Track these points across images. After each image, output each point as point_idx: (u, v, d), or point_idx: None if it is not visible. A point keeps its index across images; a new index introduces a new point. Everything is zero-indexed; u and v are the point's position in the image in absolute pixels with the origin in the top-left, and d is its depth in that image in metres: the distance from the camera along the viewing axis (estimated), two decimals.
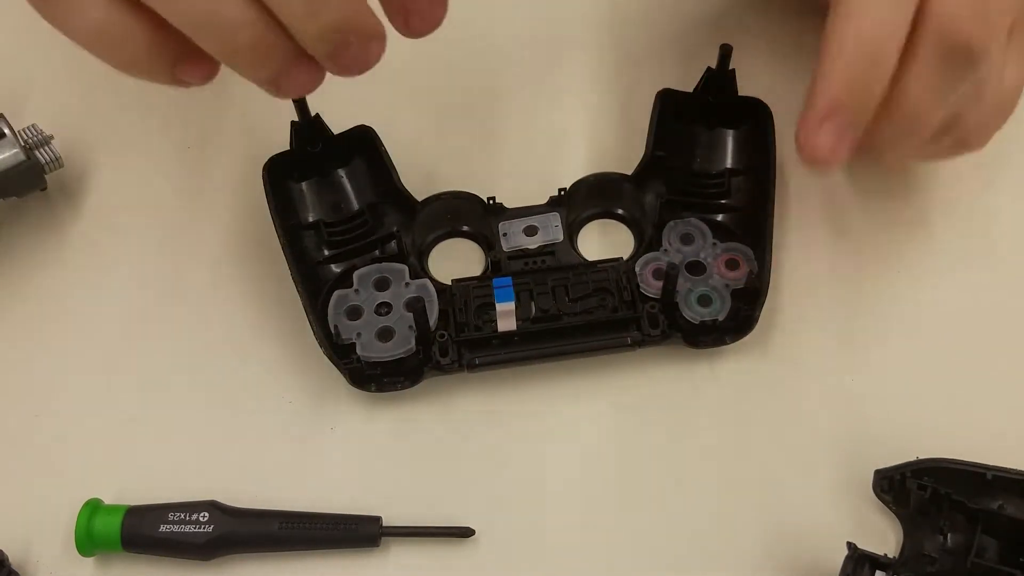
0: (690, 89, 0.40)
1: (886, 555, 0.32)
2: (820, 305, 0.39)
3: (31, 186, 0.40)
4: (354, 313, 0.37)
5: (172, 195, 0.42)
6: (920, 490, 0.33)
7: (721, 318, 0.37)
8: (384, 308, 0.37)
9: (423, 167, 0.42)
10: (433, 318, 0.37)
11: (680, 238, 0.39)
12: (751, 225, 0.39)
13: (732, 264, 0.38)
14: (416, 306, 0.35)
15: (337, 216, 0.40)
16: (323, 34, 0.27)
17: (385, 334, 0.37)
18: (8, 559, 0.34)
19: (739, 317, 0.37)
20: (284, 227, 0.38)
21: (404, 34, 0.29)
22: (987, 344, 0.38)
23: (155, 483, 0.36)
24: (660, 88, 0.41)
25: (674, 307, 0.37)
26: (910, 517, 0.34)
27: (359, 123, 0.40)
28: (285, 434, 0.37)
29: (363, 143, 0.40)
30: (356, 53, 0.27)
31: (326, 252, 0.39)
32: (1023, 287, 0.39)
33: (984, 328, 0.39)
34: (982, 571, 0.31)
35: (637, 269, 0.38)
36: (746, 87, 0.40)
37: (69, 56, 0.46)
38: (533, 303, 0.37)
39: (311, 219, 0.40)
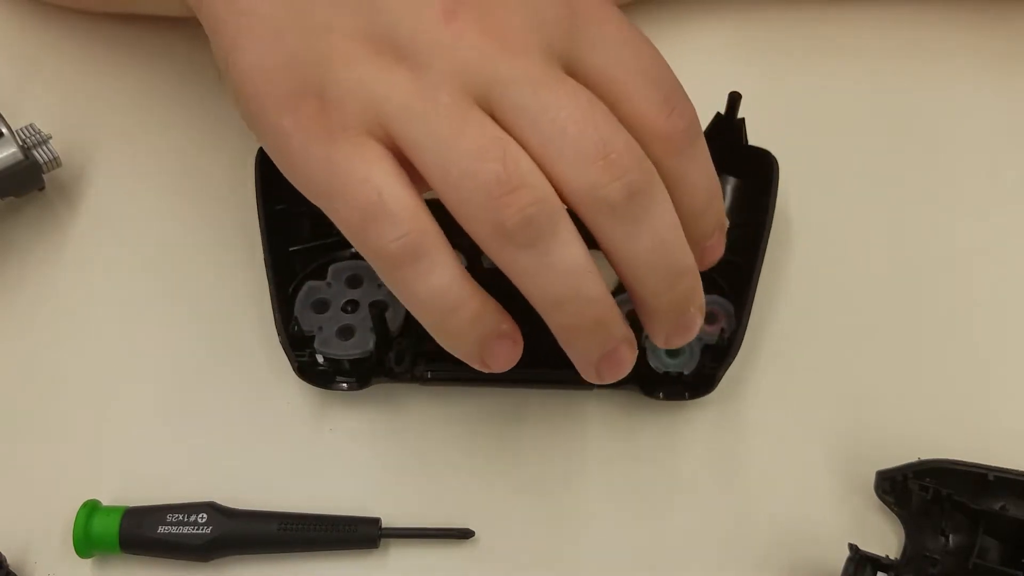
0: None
1: (888, 556, 0.32)
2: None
3: (29, 186, 0.40)
4: (321, 306, 0.37)
5: (171, 195, 0.42)
6: (922, 491, 0.33)
7: (686, 372, 0.35)
8: (351, 305, 0.37)
9: None
10: (398, 323, 0.36)
11: None
12: (737, 280, 0.38)
13: (710, 317, 0.36)
14: (375, 309, 0.35)
15: (319, 210, 0.39)
16: (674, 304, 0.29)
17: (346, 332, 0.36)
18: (6, 560, 0.34)
19: (702, 374, 0.36)
20: (267, 212, 0.38)
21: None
22: (988, 344, 0.38)
23: (153, 484, 0.36)
24: None
25: (641, 352, 0.35)
26: (912, 518, 0.34)
27: None
28: (284, 435, 0.37)
29: None
30: (687, 333, 0.31)
31: (306, 241, 0.39)
32: (1023, 285, 0.40)
33: (985, 328, 0.39)
34: (984, 572, 0.31)
35: None
36: (756, 136, 0.39)
37: (67, 56, 0.46)
38: None
39: (296, 207, 0.39)
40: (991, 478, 0.32)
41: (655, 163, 0.28)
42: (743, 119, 0.38)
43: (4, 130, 0.39)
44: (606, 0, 0.29)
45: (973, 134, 0.43)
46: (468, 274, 0.29)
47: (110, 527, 0.33)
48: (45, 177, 0.40)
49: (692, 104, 0.29)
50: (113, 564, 0.34)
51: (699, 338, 0.36)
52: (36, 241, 0.41)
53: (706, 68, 0.45)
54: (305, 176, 0.29)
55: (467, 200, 0.27)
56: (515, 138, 0.27)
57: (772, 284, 0.39)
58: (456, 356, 0.30)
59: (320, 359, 0.36)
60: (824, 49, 0.46)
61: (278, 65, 0.29)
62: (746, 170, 0.39)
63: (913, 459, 0.34)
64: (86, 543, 0.33)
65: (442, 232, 0.28)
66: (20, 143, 0.39)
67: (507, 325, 0.30)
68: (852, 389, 0.37)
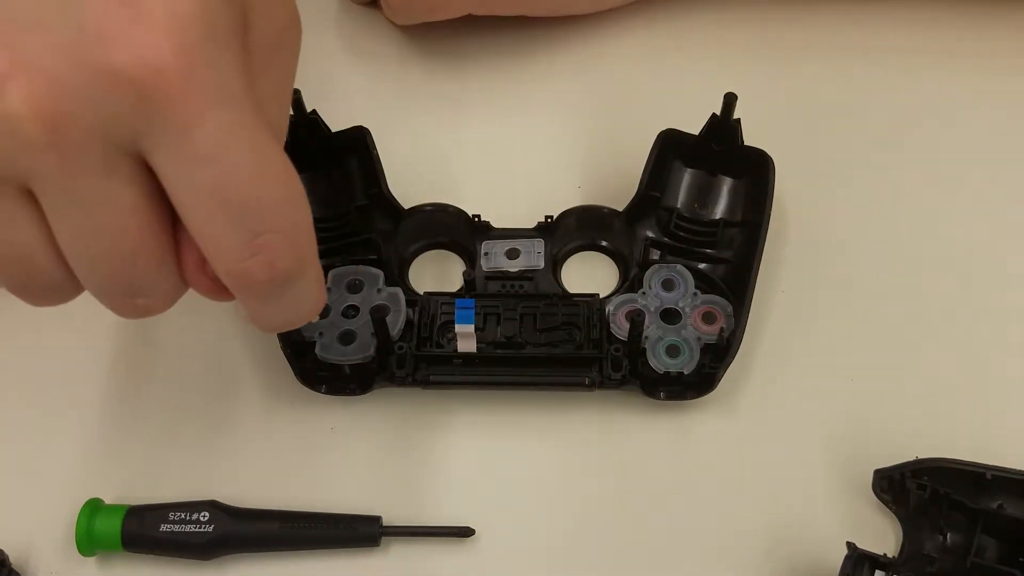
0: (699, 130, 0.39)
1: (886, 555, 0.32)
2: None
3: None
4: (321, 312, 0.37)
5: None
6: (920, 490, 0.33)
7: (686, 372, 0.36)
8: (352, 311, 0.37)
9: (415, 176, 0.42)
10: (398, 328, 0.36)
11: (662, 283, 0.38)
12: (735, 280, 0.38)
13: (709, 317, 0.37)
14: (377, 314, 0.35)
15: (323, 213, 0.40)
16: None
17: (347, 337, 0.36)
18: (9, 559, 0.34)
19: (702, 373, 0.36)
20: None
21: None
22: (986, 343, 0.38)
23: (155, 483, 0.36)
24: (667, 127, 0.40)
25: (640, 353, 0.36)
26: (910, 517, 0.34)
27: (357, 124, 0.40)
28: (286, 433, 0.37)
29: (357, 144, 0.40)
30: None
31: None
32: (1020, 286, 0.40)
33: (982, 327, 0.39)
34: (982, 571, 0.32)
35: (609, 309, 0.37)
36: (754, 136, 0.39)
37: None
38: (499, 328, 0.37)
39: None
40: (988, 477, 0.33)
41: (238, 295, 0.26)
42: (739, 120, 0.38)
43: None
44: (210, 94, 0.23)
45: (969, 133, 0.44)
46: None
47: (112, 525, 0.34)
48: None
49: (302, 245, 0.25)
50: (115, 562, 0.34)
51: (699, 338, 0.37)
52: None
53: (702, 69, 0.46)
54: None
55: None
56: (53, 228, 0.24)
57: (770, 284, 0.39)
58: None
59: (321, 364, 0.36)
60: (820, 50, 0.46)
61: None
62: (742, 170, 0.40)
63: (911, 458, 0.34)
64: (88, 541, 0.34)
65: None
66: None
67: None
68: (850, 388, 0.37)
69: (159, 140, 0.23)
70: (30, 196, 0.24)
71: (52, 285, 0.26)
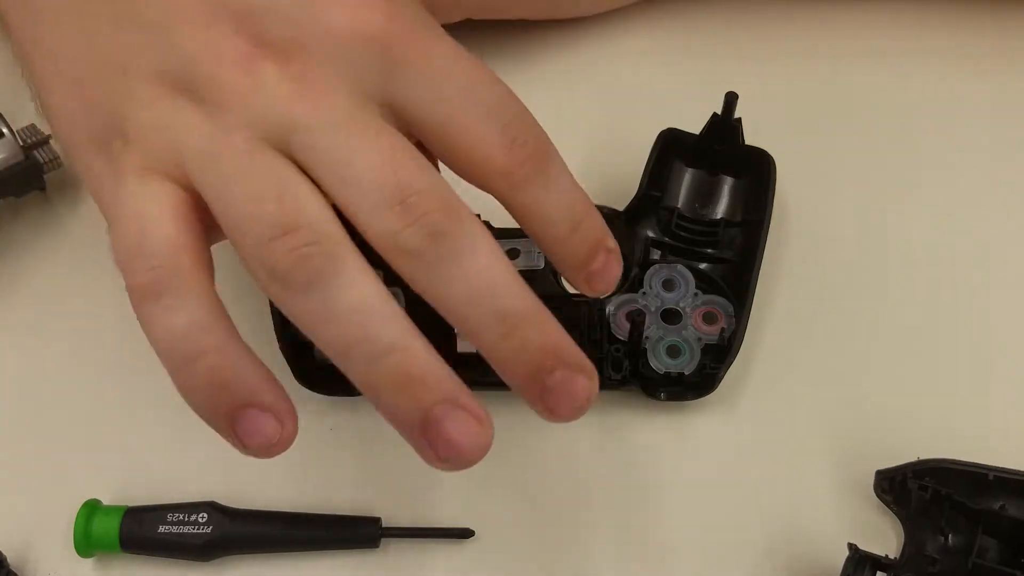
0: (700, 129, 0.39)
1: (887, 556, 0.32)
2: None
3: (30, 186, 0.40)
4: None
5: None
6: (921, 491, 0.33)
7: (687, 372, 0.36)
8: None
9: None
10: None
11: (662, 283, 0.38)
12: (736, 280, 0.38)
13: (710, 318, 0.37)
14: None
15: None
16: (513, 354, 0.28)
17: None
18: (7, 559, 0.34)
19: (703, 374, 0.36)
20: None
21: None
22: (987, 344, 0.38)
23: (154, 483, 0.36)
24: (667, 127, 0.40)
25: (640, 354, 0.36)
26: (911, 518, 0.34)
27: None
28: None
29: None
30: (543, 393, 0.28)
31: None
32: (1022, 286, 0.40)
33: (984, 327, 0.39)
34: (983, 572, 0.31)
35: (609, 310, 0.37)
36: (755, 135, 0.39)
37: None
38: None
39: None
40: (990, 478, 0.33)
41: (503, 199, 0.27)
42: (740, 119, 0.38)
43: (5, 130, 0.39)
44: (428, 31, 0.27)
45: (970, 133, 0.44)
46: (225, 329, 0.26)
47: (111, 527, 0.34)
48: (45, 177, 0.40)
49: (538, 127, 0.28)
50: (114, 564, 0.34)
51: (700, 338, 0.36)
52: (36, 241, 0.41)
53: (702, 69, 0.46)
54: (105, 213, 0.28)
55: (244, 244, 0.25)
56: (316, 184, 0.26)
57: (771, 284, 0.39)
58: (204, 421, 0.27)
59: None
60: (821, 49, 0.46)
61: (80, 110, 0.28)
62: (743, 170, 0.40)
63: (912, 458, 0.34)
64: (87, 543, 0.34)
65: (205, 279, 0.27)
66: (21, 143, 0.39)
67: (271, 398, 0.26)
68: (852, 388, 0.37)
69: (404, 75, 0.26)
70: (292, 161, 0.26)
71: (321, 238, 0.25)
